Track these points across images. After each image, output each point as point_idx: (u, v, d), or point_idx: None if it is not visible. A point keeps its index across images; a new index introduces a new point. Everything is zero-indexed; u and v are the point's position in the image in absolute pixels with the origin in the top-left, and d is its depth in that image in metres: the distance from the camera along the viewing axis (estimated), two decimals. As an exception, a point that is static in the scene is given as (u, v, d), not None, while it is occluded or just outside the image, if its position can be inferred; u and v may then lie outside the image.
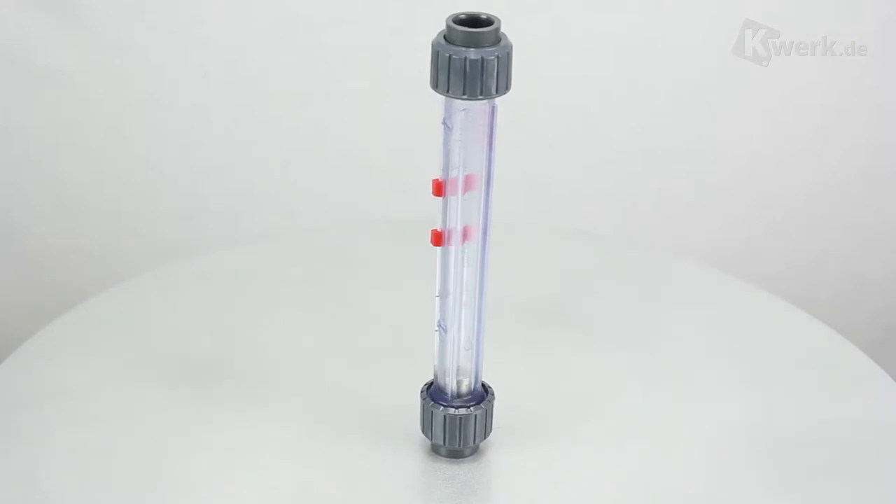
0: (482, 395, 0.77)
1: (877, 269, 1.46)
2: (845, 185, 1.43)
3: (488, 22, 0.68)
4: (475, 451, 0.78)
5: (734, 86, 1.38)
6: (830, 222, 1.44)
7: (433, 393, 0.77)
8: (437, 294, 0.75)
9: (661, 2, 1.36)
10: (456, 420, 0.76)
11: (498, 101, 0.70)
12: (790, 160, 1.42)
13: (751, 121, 1.41)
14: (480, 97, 0.68)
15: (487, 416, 0.77)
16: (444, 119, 0.70)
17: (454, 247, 0.73)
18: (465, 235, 0.73)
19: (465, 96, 0.68)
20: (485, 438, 0.78)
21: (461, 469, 0.78)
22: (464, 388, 0.77)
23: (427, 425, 0.77)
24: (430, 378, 0.78)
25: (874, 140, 1.42)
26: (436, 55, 0.68)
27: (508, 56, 0.67)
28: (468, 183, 0.72)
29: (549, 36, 1.36)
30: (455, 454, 0.78)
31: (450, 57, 0.67)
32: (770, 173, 1.42)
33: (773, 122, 1.41)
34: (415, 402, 0.78)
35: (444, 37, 0.68)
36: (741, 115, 1.40)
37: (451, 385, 0.76)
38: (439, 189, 0.71)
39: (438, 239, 0.73)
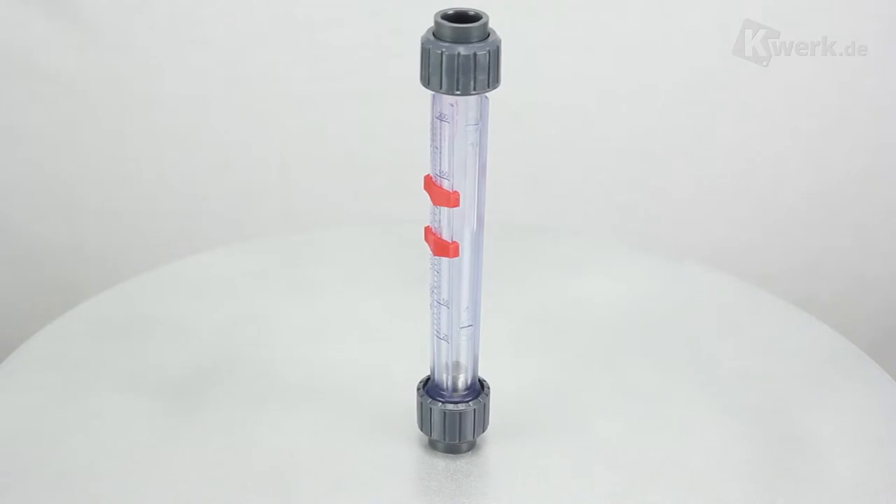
0: (478, 390, 0.77)
1: (877, 269, 1.46)
2: (845, 185, 1.43)
3: (476, 17, 0.68)
4: (472, 446, 0.78)
5: (734, 86, 1.38)
6: (830, 222, 1.44)
7: (430, 389, 0.77)
8: (433, 292, 0.75)
9: (662, 2, 1.36)
10: (453, 416, 0.76)
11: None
12: (790, 160, 1.42)
13: (751, 121, 1.41)
14: (470, 93, 0.68)
15: (484, 411, 0.77)
16: (434, 116, 0.70)
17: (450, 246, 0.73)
18: (461, 234, 0.73)
19: (454, 92, 0.68)
20: (481, 433, 0.78)
21: (459, 464, 0.78)
22: (460, 384, 0.77)
23: (424, 421, 0.77)
24: (426, 374, 0.78)
25: (874, 140, 1.42)
26: (424, 51, 0.68)
27: (497, 51, 0.68)
28: (461, 183, 0.72)
29: (549, 36, 1.36)
30: (452, 449, 0.78)
31: (438, 53, 0.67)
32: (770, 173, 1.42)
33: (773, 122, 1.41)
34: (412, 398, 0.78)
35: (433, 33, 0.68)
36: (741, 115, 1.40)
37: (447, 381, 0.77)
38: (448, 200, 0.71)
39: (445, 250, 0.73)
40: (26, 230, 1.42)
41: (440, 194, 0.71)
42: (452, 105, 0.70)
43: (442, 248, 0.73)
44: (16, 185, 1.41)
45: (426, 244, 0.74)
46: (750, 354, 0.89)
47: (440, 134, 0.71)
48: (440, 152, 0.71)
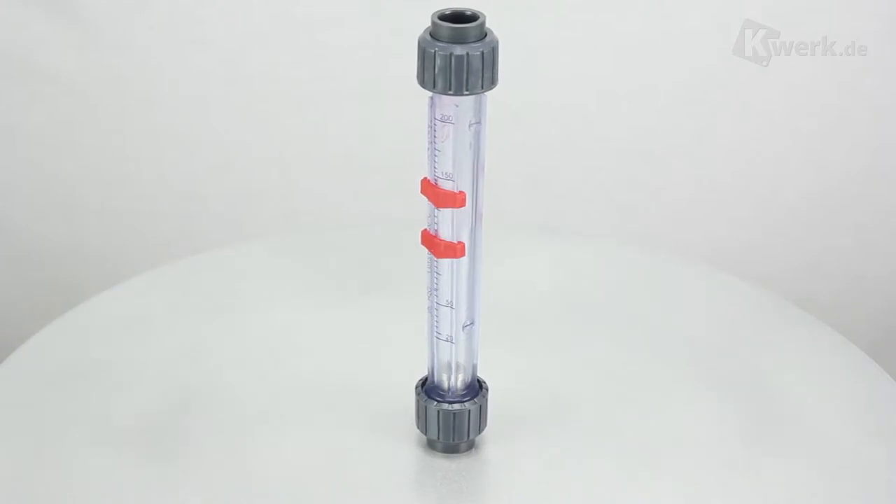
0: (476, 389, 0.77)
1: (877, 269, 1.46)
2: (845, 185, 1.43)
3: (473, 17, 0.68)
4: (471, 445, 0.78)
5: (734, 86, 1.38)
6: (830, 222, 1.44)
7: (428, 388, 0.77)
8: (431, 294, 0.75)
9: (662, 2, 1.36)
10: (451, 415, 0.76)
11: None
12: (790, 160, 1.42)
13: (751, 121, 1.41)
14: (466, 93, 0.68)
15: (482, 410, 0.77)
16: (434, 117, 0.70)
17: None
18: (461, 233, 0.73)
19: (450, 92, 0.68)
20: (480, 433, 0.78)
21: (457, 464, 0.78)
22: (458, 383, 0.77)
23: (422, 421, 0.77)
24: (424, 373, 0.78)
25: (874, 140, 1.42)
26: (421, 51, 0.68)
27: (494, 51, 0.68)
28: (462, 182, 0.72)
29: (549, 36, 1.36)
30: (450, 449, 0.78)
31: (435, 53, 0.67)
32: (770, 173, 1.42)
33: (773, 122, 1.41)
34: (410, 398, 0.78)
35: (430, 33, 0.68)
36: (741, 115, 1.40)
37: (445, 380, 0.77)
38: (455, 201, 0.71)
39: (451, 251, 0.73)
40: (26, 230, 1.42)
41: (446, 196, 0.71)
42: (457, 105, 0.70)
43: (448, 249, 0.73)
44: (16, 185, 1.41)
45: (424, 247, 0.74)
46: (749, 354, 0.89)
47: (442, 135, 0.70)
48: (442, 154, 0.71)
